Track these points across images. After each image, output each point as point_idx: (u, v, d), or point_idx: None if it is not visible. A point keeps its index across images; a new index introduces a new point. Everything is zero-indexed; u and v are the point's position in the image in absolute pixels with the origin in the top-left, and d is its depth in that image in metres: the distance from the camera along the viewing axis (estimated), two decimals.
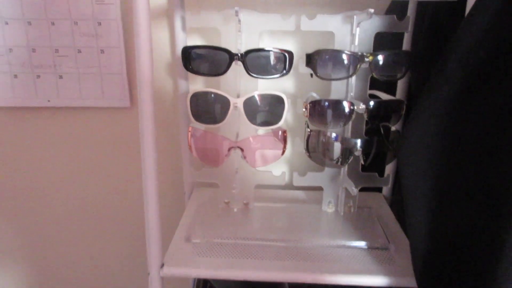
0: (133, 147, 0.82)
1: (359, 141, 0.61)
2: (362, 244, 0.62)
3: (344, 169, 0.67)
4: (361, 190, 0.72)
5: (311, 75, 0.63)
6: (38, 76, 0.80)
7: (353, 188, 0.63)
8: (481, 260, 0.44)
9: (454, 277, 0.48)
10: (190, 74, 0.71)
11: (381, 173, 0.72)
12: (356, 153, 0.62)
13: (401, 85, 0.70)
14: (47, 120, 0.82)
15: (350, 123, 0.64)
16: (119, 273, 0.93)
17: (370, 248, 0.61)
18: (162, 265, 0.56)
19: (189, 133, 0.62)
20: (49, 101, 0.81)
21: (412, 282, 0.54)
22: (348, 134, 0.66)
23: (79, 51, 0.78)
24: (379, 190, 0.78)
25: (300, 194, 0.78)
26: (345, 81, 0.64)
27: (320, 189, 0.71)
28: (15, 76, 0.80)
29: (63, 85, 0.80)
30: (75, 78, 0.80)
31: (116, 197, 0.86)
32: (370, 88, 0.66)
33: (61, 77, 0.80)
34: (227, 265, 0.57)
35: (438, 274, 0.50)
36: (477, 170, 0.47)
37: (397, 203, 0.75)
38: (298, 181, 0.68)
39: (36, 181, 0.86)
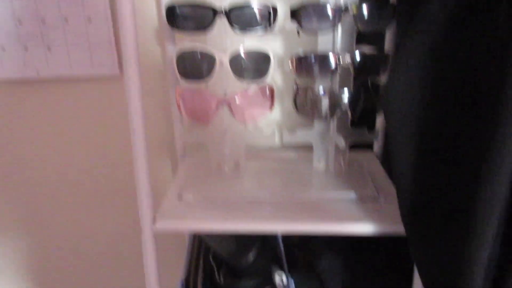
0: (124, 114, 0.82)
1: (346, 94, 0.62)
2: (352, 195, 0.62)
3: (334, 124, 0.68)
4: (352, 148, 0.72)
5: (298, 33, 0.64)
6: (26, 48, 0.80)
7: (342, 141, 0.63)
8: (464, 203, 0.45)
9: (439, 221, 0.49)
10: (177, 38, 0.71)
11: (372, 129, 0.73)
12: (343, 107, 0.62)
13: (389, 39, 0.70)
14: (37, 93, 0.82)
15: (338, 78, 0.65)
16: (114, 239, 0.94)
17: (360, 199, 0.62)
18: (154, 221, 0.57)
19: (177, 93, 0.63)
20: (38, 73, 0.81)
21: (401, 228, 0.55)
22: (336, 90, 0.66)
23: (66, 20, 0.78)
24: (371, 148, 0.79)
25: (290, 154, 0.78)
26: (331, 38, 0.64)
27: (310, 149, 0.72)
28: (3, 48, 0.80)
29: (51, 56, 0.80)
30: (63, 48, 0.80)
31: (110, 166, 0.86)
32: (357, 44, 0.66)
33: (49, 48, 0.80)
34: (220, 219, 0.58)
35: (424, 218, 0.51)
36: (461, 113, 0.47)
37: (388, 160, 0.75)
38: (288, 138, 0.69)
39: (28, 153, 0.86)
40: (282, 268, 0.68)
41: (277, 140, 0.79)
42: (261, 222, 0.57)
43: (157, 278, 0.59)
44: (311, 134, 0.69)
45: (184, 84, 0.63)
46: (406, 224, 0.53)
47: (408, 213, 0.53)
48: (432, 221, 0.50)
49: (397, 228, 0.56)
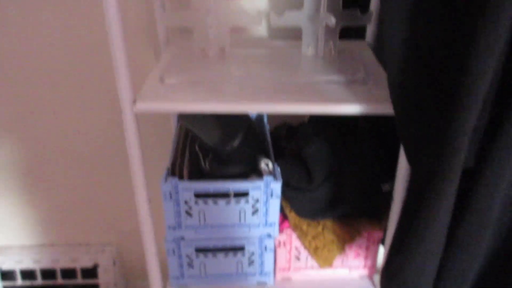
0: None
1: None
2: (341, 78, 0.60)
3: (324, 4, 0.63)
4: (344, 37, 0.69)
5: None
6: None
7: (332, 19, 0.59)
8: (454, 74, 0.43)
9: (428, 95, 0.48)
10: None
11: (365, 12, 0.68)
12: None
13: None
14: None
15: None
16: (100, 128, 0.92)
17: (349, 82, 0.60)
18: (135, 102, 0.55)
19: None
20: None
21: (389, 109, 0.53)
22: None
23: None
24: (362, 38, 0.75)
25: (278, 42, 0.75)
26: None
27: (299, 38, 0.68)
28: None
29: None
30: None
31: (90, 53, 0.81)
32: None
33: None
34: (202, 100, 0.56)
35: (414, 92, 0.49)
36: None
37: (380, 48, 0.72)
38: (275, 21, 0.64)
39: (5, 48, 0.82)
40: (268, 157, 0.68)
41: (263, 24, 0.74)
42: (246, 102, 0.55)
43: (140, 161, 0.58)
44: (300, 15, 0.65)
45: None
46: (394, 101, 0.51)
47: (398, 89, 0.51)
48: (421, 95, 0.48)
49: (385, 108, 0.55)
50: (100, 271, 1.05)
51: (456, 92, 0.42)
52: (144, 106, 0.55)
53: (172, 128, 0.80)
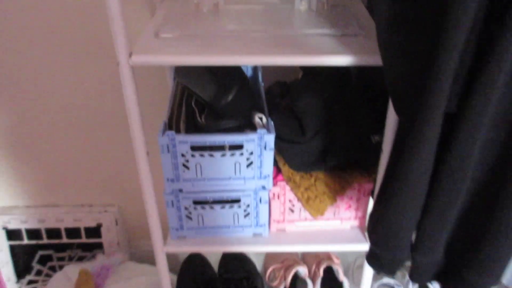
0: None
1: None
2: (334, 31, 0.61)
3: None
4: None
5: None
6: None
7: None
8: (437, 21, 0.44)
9: (411, 44, 0.49)
10: None
11: None
12: None
13: None
14: None
15: None
16: (97, 89, 0.93)
17: (342, 35, 0.61)
18: (131, 55, 0.56)
19: None
20: None
21: (379, 60, 0.55)
22: None
23: None
24: None
25: None
26: None
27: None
28: None
29: None
30: None
31: (85, 15, 0.83)
32: None
33: None
34: (197, 53, 0.57)
35: (398, 43, 0.50)
36: None
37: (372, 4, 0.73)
38: None
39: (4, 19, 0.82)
40: (262, 112, 0.70)
41: None
42: (239, 55, 0.57)
43: (138, 113, 0.60)
44: None
45: None
46: (382, 48, 0.53)
47: (385, 36, 0.52)
48: (406, 40, 0.49)
49: (375, 60, 0.56)
50: (103, 230, 1.09)
51: (439, 34, 0.44)
52: (139, 59, 0.57)
53: (168, 86, 0.82)
